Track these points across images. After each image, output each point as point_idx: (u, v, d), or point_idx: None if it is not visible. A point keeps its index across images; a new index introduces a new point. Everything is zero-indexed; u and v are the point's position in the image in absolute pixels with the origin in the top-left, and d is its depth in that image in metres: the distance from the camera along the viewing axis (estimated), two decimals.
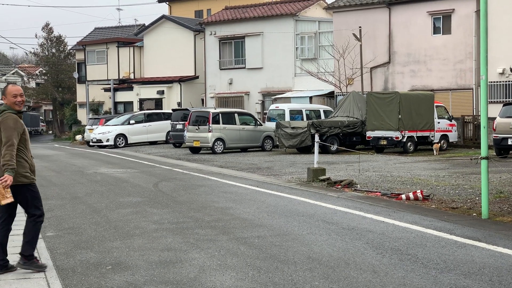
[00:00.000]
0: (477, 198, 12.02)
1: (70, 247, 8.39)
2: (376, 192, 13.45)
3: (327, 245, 8.24)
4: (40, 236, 9.03)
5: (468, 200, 12.05)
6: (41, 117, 75.05)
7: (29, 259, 7.12)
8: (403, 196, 12.41)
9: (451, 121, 27.77)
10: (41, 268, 7.16)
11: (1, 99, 6.74)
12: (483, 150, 10.10)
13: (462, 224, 9.68)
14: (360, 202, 12.08)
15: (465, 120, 30.02)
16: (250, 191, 14.08)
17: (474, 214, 10.62)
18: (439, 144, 25.92)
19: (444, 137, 27.28)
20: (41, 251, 8.15)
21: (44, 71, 65.62)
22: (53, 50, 63.35)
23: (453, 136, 27.84)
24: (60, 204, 12.60)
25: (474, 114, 29.77)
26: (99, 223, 10.18)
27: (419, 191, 12.53)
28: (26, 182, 7.06)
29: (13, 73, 73.53)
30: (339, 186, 14.49)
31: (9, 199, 6.88)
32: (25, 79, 70.26)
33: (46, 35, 62.97)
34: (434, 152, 24.87)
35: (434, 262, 7.27)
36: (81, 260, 7.65)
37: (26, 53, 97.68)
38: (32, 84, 70.18)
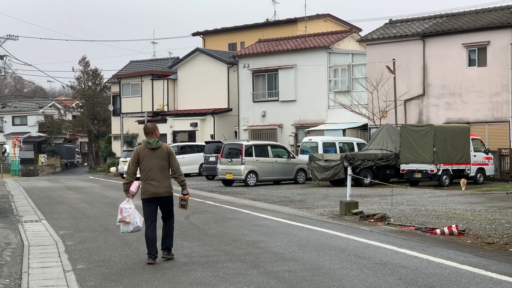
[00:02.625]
0: None
1: (100, 280, 8.36)
2: (410, 226, 13.23)
3: (359, 280, 8.08)
4: (70, 268, 9.09)
5: (505, 235, 11.78)
6: (76, 149, 75.94)
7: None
8: (438, 231, 12.18)
9: (487, 154, 27.35)
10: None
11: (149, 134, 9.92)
12: None
13: (498, 259, 9.45)
14: (393, 237, 11.88)
15: (502, 153, 29.53)
16: (282, 224, 13.97)
17: (511, 249, 10.36)
18: (466, 179, 25.09)
19: (481, 170, 26.88)
20: (71, 284, 8.14)
21: (80, 104, 66.62)
22: (89, 83, 64.41)
23: (489, 170, 27.41)
24: (92, 236, 12.64)
25: (511, 147, 29.31)
26: (129, 256, 10.17)
27: (454, 225, 12.30)
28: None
29: (50, 106, 74.75)
30: (372, 220, 14.30)
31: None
32: (62, 111, 71.34)
33: (82, 68, 64.14)
34: (462, 187, 24.19)
35: None
36: None
37: (63, 86, 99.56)
38: (69, 117, 71.27)
